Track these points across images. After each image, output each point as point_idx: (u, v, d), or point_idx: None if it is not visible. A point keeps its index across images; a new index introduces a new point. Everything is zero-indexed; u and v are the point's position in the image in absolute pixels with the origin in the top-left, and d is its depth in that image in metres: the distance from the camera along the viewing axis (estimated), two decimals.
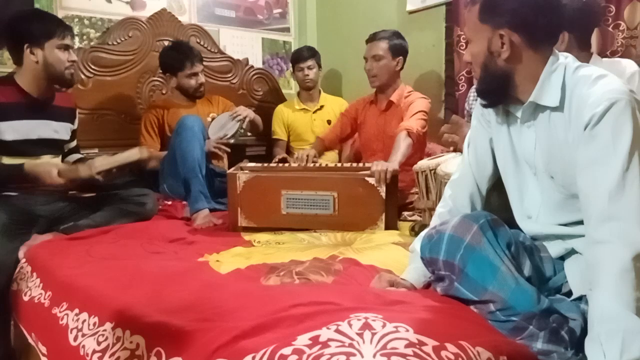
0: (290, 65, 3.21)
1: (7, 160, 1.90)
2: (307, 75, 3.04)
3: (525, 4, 1.09)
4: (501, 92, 1.17)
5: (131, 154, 2.00)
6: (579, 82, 1.07)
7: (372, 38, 2.51)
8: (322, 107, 3.13)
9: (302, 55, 3.05)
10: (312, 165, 2.28)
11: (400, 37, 2.52)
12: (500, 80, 1.14)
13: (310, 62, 3.05)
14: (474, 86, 2.48)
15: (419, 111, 2.37)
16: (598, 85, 1.03)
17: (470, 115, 2.46)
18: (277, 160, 2.43)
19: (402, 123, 2.33)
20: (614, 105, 0.98)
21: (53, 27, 1.93)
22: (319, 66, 3.11)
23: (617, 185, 0.96)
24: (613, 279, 0.92)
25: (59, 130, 2.06)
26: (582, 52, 1.81)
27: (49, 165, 1.89)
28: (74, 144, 2.21)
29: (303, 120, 3.10)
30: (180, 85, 2.61)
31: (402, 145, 2.21)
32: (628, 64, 1.80)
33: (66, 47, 1.95)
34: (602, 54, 2.08)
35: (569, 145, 1.07)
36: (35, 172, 1.85)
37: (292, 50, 3.35)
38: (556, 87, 1.09)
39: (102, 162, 1.92)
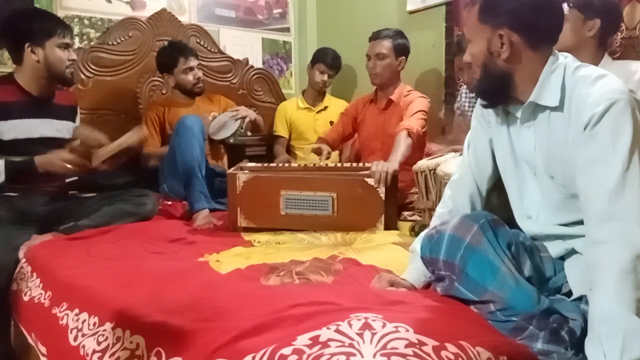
0: (291, 62, 3.17)
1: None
2: (325, 81, 3.05)
3: (525, 4, 1.09)
4: (501, 93, 1.17)
5: (129, 137, 1.99)
6: (579, 82, 1.07)
7: (376, 36, 2.50)
8: (326, 107, 3.13)
9: (327, 62, 3.02)
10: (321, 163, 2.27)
11: (404, 36, 2.52)
12: (500, 80, 1.14)
13: (332, 72, 3.05)
14: (465, 85, 2.49)
15: (419, 110, 2.37)
16: (598, 85, 1.03)
17: (462, 113, 2.46)
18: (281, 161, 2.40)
19: (402, 123, 2.33)
20: (613, 105, 0.98)
21: (53, 25, 1.93)
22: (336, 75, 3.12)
23: (617, 185, 0.96)
24: (613, 279, 0.92)
25: (60, 128, 2.06)
26: (599, 48, 1.76)
27: (58, 157, 1.88)
28: (76, 143, 2.20)
29: (306, 119, 3.10)
30: (178, 82, 2.61)
31: (402, 145, 2.20)
32: (638, 67, 1.76)
33: (66, 46, 1.95)
34: None
35: (569, 145, 1.07)
36: (48, 163, 1.86)
37: (313, 50, 3.24)
38: (556, 87, 1.09)
39: (105, 150, 1.93)
